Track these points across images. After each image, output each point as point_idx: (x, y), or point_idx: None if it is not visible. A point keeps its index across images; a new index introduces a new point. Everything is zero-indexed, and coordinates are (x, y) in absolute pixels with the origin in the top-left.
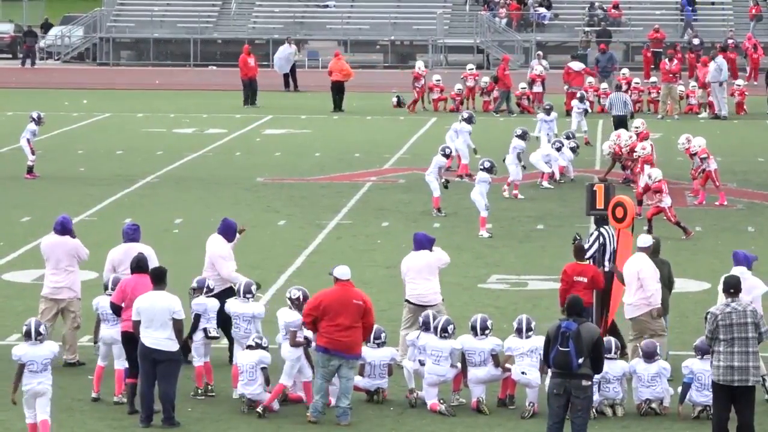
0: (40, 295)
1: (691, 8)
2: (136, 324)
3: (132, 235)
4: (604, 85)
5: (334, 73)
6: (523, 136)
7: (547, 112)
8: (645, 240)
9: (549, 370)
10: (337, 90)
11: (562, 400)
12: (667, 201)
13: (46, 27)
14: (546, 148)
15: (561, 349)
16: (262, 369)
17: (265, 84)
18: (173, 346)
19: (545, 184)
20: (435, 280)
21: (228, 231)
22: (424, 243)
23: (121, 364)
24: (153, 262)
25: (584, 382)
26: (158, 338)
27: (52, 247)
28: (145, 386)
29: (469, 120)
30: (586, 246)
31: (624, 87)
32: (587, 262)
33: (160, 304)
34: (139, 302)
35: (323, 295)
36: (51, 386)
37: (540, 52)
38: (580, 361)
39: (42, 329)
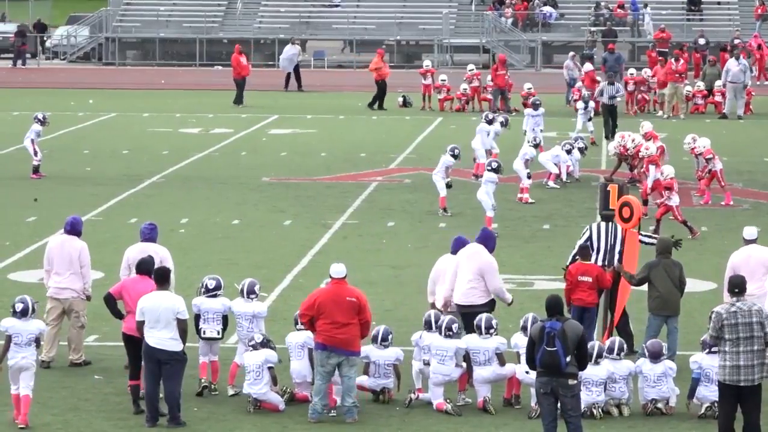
0: (46, 295)
1: (635, 4)
2: (140, 324)
3: (149, 234)
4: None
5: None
6: (537, 146)
7: (536, 107)
8: (751, 232)
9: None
10: (377, 88)
11: (551, 398)
12: (675, 199)
13: (40, 27)
14: (556, 148)
15: (548, 349)
16: (269, 368)
17: (272, 84)
18: (177, 346)
19: (551, 184)
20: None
21: (489, 240)
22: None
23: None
24: (168, 263)
25: (570, 381)
26: (162, 338)
27: (59, 247)
28: (150, 386)
29: (490, 122)
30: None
31: (631, 87)
32: (591, 261)
33: (165, 305)
34: (143, 302)
35: (317, 293)
36: (35, 362)
37: (573, 53)
38: (568, 359)
39: (30, 307)
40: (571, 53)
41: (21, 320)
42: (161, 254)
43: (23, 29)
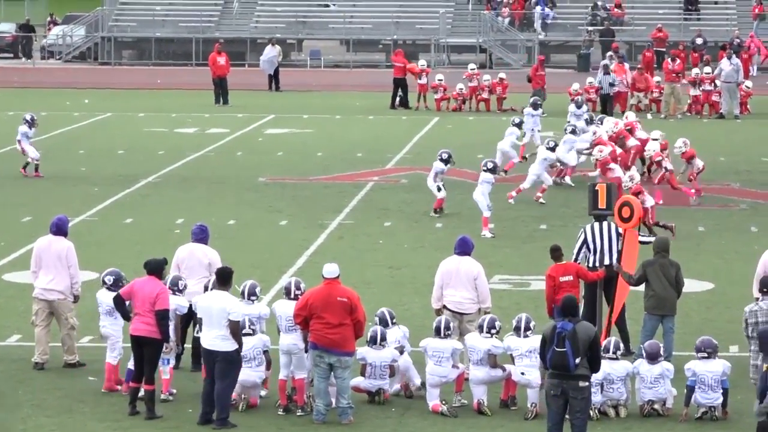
0: (32, 295)
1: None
2: (200, 321)
3: (199, 236)
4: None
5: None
6: (553, 149)
7: (535, 107)
8: None
9: (546, 371)
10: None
11: (560, 401)
12: (649, 201)
13: (26, 28)
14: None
15: (557, 349)
16: (264, 352)
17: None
18: (228, 345)
19: (567, 180)
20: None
21: None
22: (468, 248)
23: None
24: (217, 265)
25: (581, 383)
26: (212, 337)
27: (46, 247)
28: (205, 384)
29: (519, 125)
30: (575, 249)
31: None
32: (564, 260)
33: (217, 305)
34: (199, 301)
35: (309, 294)
36: (116, 332)
37: (610, 53)
38: (577, 361)
39: (119, 281)
40: (609, 53)
41: (107, 291)
42: (210, 256)
43: None
